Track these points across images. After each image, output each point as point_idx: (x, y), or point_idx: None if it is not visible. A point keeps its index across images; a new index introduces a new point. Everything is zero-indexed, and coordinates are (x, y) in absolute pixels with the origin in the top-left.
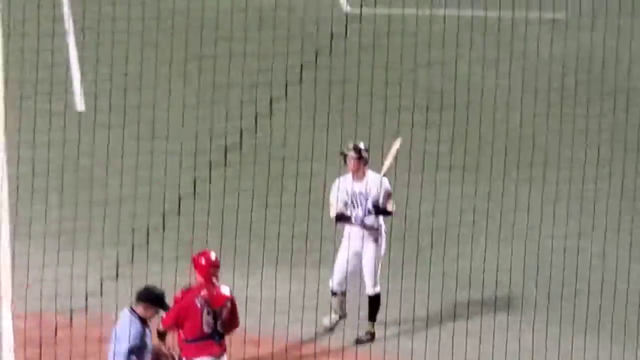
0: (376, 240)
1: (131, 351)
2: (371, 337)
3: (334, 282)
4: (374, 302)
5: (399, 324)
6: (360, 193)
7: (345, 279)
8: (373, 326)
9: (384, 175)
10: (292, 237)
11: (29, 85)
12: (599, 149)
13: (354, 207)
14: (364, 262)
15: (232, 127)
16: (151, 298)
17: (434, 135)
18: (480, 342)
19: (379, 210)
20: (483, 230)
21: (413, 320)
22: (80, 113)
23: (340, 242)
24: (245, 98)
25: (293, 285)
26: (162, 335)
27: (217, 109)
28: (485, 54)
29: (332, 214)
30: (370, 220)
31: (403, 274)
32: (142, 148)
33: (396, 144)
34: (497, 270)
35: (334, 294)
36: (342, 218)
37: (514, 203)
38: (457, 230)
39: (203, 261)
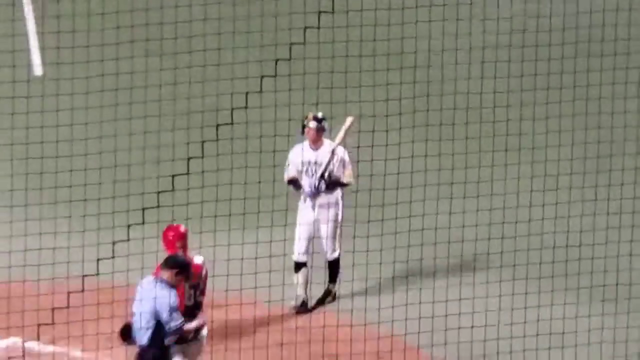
0: (332, 207)
1: (166, 311)
2: (332, 297)
3: (296, 253)
4: (334, 266)
5: (366, 280)
6: (315, 162)
7: (307, 248)
8: (334, 287)
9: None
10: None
11: None
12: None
13: (307, 175)
14: (321, 229)
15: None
16: (180, 264)
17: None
18: (446, 299)
19: (332, 181)
20: (448, 188)
21: (380, 278)
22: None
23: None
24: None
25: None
26: None
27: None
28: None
29: (285, 178)
30: (323, 188)
31: (369, 232)
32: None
33: (349, 121)
34: (463, 227)
35: (297, 265)
36: (292, 182)
37: (478, 161)
38: (422, 190)
39: (171, 236)
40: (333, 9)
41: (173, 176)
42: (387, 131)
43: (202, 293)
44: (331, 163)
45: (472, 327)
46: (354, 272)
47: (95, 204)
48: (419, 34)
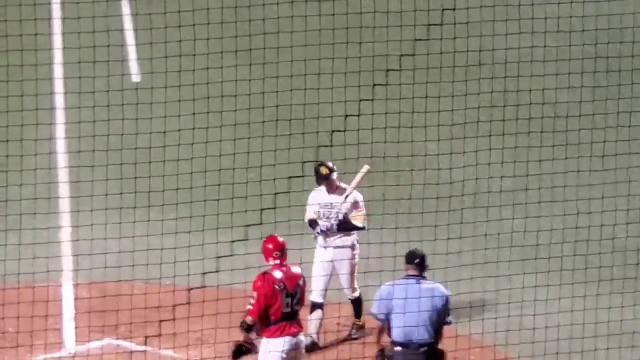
0: (347, 249)
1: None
2: (359, 327)
3: (313, 295)
4: (356, 304)
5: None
6: (330, 204)
7: (323, 289)
8: (360, 320)
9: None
10: None
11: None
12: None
13: (323, 217)
14: (339, 270)
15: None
16: (421, 256)
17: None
18: (522, 300)
19: (347, 225)
20: (523, 194)
21: (459, 280)
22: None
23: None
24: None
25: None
26: (250, 327)
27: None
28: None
29: (305, 219)
30: (335, 229)
31: (449, 234)
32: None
33: (365, 168)
34: (538, 231)
35: (314, 306)
36: (312, 224)
37: (551, 167)
38: (498, 195)
39: (271, 246)
40: (442, 21)
41: (275, 194)
42: (464, 138)
43: (300, 302)
44: (344, 206)
45: (546, 327)
46: (434, 275)
47: (193, 209)
48: (497, 45)
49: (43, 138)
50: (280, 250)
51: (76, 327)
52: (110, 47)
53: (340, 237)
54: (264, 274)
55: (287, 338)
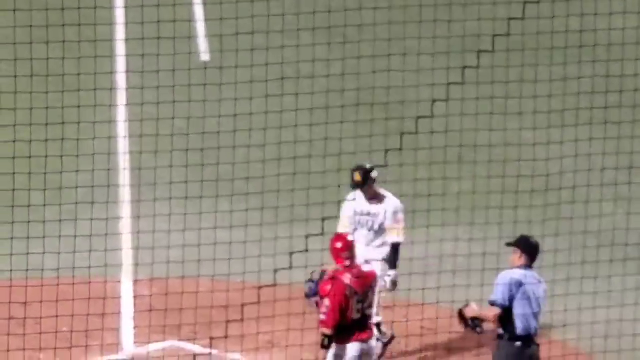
0: (379, 263)
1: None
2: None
3: None
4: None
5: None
6: (368, 213)
7: None
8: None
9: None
10: None
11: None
12: None
13: (359, 227)
14: None
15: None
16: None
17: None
18: (622, 304)
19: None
20: (626, 188)
21: (553, 279)
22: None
23: None
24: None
25: None
26: (330, 341)
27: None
28: None
29: (339, 228)
30: (374, 243)
31: (544, 232)
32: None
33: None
34: None
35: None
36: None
37: None
38: (599, 189)
39: (340, 245)
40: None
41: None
42: (562, 127)
43: (371, 305)
44: (386, 217)
45: None
46: None
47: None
48: (599, 25)
49: (102, 121)
50: (350, 250)
51: (135, 327)
52: (176, 23)
53: (374, 249)
54: (333, 278)
55: (357, 344)
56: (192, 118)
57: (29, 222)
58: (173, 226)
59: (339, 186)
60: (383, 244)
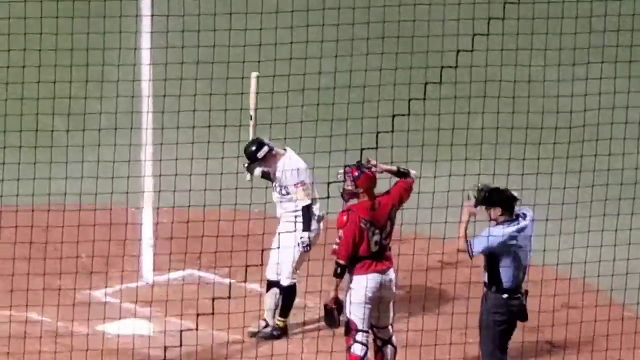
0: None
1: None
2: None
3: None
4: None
5: (560, 221)
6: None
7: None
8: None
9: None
10: None
11: None
12: None
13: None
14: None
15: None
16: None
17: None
18: None
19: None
20: None
21: (575, 217)
22: None
23: None
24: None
25: None
26: (342, 271)
27: None
28: None
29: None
30: (282, 205)
31: (567, 168)
32: None
33: (253, 76)
34: None
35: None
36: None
37: None
38: (622, 127)
39: (357, 174)
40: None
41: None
42: (587, 64)
43: (389, 236)
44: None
45: None
46: (548, 211)
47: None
48: None
49: (127, 47)
50: (369, 184)
51: (155, 255)
52: None
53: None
54: (349, 209)
55: (374, 275)
56: (217, 46)
57: (51, 146)
58: (196, 154)
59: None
60: (287, 203)
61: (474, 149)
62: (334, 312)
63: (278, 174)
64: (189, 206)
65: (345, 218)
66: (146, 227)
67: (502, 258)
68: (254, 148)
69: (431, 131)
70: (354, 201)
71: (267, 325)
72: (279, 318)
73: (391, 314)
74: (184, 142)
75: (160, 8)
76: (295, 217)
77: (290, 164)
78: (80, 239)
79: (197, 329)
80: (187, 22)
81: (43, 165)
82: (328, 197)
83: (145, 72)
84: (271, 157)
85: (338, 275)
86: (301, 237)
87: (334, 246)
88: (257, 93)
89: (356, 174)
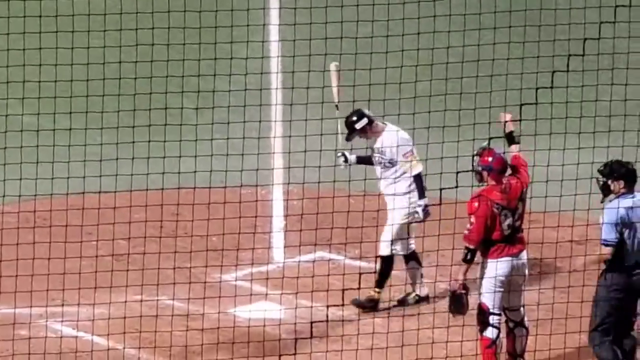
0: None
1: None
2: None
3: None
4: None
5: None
6: (378, 151)
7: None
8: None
9: (338, 101)
10: None
11: None
12: None
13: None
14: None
15: None
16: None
17: None
18: None
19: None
20: None
21: None
22: None
23: None
24: None
25: None
26: (472, 256)
27: None
28: None
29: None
30: (383, 181)
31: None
32: None
33: (332, 68)
34: None
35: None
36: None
37: None
38: None
39: (490, 159)
40: None
41: (521, 105)
42: None
43: (521, 217)
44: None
45: None
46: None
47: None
48: None
49: (255, 24)
50: (501, 166)
51: (285, 238)
52: None
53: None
54: (480, 195)
55: (507, 259)
56: (345, 22)
57: (180, 125)
58: (325, 130)
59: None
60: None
61: (604, 121)
62: (462, 298)
63: (380, 145)
64: (319, 182)
65: (476, 204)
66: (276, 205)
67: (625, 232)
68: (355, 118)
69: (560, 104)
70: (483, 186)
71: (415, 296)
72: (375, 289)
73: (523, 296)
74: (314, 118)
75: None
76: (395, 185)
77: (394, 137)
78: (210, 217)
79: (327, 319)
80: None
81: (172, 145)
82: (457, 187)
83: (274, 48)
84: (370, 129)
85: (468, 261)
86: (419, 205)
87: (465, 232)
88: (338, 86)
89: (489, 158)
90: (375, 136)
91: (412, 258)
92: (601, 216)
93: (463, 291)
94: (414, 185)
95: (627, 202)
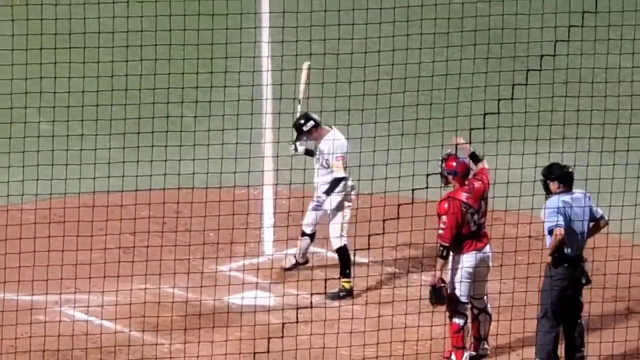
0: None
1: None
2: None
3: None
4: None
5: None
6: (319, 150)
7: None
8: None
9: (304, 97)
10: None
11: None
12: None
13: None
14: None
15: None
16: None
17: None
18: None
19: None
20: None
21: None
22: None
23: None
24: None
25: None
26: (447, 252)
27: None
28: None
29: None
30: (320, 175)
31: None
32: None
33: (304, 67)
34: None
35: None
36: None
37: None
38: None
39: (454, 164)
40: None
41: (484, 114)
42: None
43: (484, 215)
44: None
45: None
46: (625, 185)
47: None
48: None
49: (247, 41)
50: (464, 171)
51: (275, 233)
52: None
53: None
54: (448, 197)
55: (475, 253)
56: (328, 39)
57: (180, 132)
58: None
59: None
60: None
61: (559, 130)
62: (442, 290)
63: (321, 147)
64: (304, 183)
65: (446, 205)
66: (266, 203)
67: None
68: (302, 121)
69: (519, 114)
70: (450, 188)
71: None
72: (343, 279)
73: (486, 286)
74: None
75: (277, 5)
76: (328, 184)
77: (331, 143)
78: (207, 219)
79: (311, 306)
80: (300, 19)
81: (173, 149)
82: (427, 188)
83: (265, 64)
84: (316, 131)
85: (444, 257)
86: (318, 197)
87: (439, 231)
88: (307, 83)
89: (453, 163)
90: (320, 138)
91: (310, 237)
92: (542, 211)
93: (442, 284)
94: (347, 185)
95: (565, 198)
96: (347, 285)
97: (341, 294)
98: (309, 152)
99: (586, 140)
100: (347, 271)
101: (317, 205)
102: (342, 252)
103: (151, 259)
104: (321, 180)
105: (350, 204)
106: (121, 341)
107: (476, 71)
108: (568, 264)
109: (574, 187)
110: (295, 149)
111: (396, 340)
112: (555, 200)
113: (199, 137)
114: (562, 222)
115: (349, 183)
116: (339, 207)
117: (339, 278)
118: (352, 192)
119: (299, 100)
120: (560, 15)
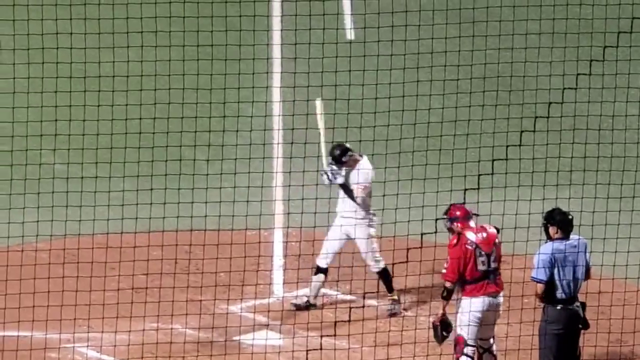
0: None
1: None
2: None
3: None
4: (382, 276)
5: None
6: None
7: (331, 255)
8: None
9: (325, 128)
10: None
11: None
12: None
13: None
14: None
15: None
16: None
17: None
18: None
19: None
20: None
21: None
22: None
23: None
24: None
25: None
26: (449, 293)
27: None
28: None
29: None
30: (345, 202)
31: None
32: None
33: (318, 106)
34: None
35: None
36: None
37: None
38: None
39: (458, 213)
40: None
41: (493, 160)
42: None
43: (497, 260)
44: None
45: None
46: (631, 230)
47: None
48: None
49: (259, 86)
50: (467, 215)
51: (285, 275)
52: (325, 3)
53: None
54: (458, 235)
55: (484, 297)
56: (339, 85)
57: (193, 174)
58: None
59: (492, 161)
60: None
61: (566, 175)
62: (437, 330)
63: (352, 174)
64: (314, 227)
65: (455, 241)
66: (277, 246)
67: (555, 271)
68: (338, 152)
69: (527, 160)
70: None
71: (304, 302)
72: (389, 295)
73: (494, 328)
74: (311, 169)
75: (289, 51)
76: (355, 215)
77: (363, 166)
78: (219, 256)
79: (321, 347)
80: (312, 64)
81: (186, 192)
82: (436, 232)
83: (276, 108)
84: (352, 160)
85: (445, 297)
86: (323, 169)
87: (443, 270)
88: (322, 114)
89: (454, 212)
90: (354, 167)
91: (324, 272)
92: (535, 256)
93: (437, 324)
94: (370, 213)
95: (559, 246)
96: (395, 296)
97: (395, 306)
98: (345, 187)
99: (593, 186)
100: (391, 286)
101: (323, 176)
102: (383, 274)
103: (163, 299)
104: (346, 207)
105: (375, 229)
106: None
107: (485, 117)
108: (562, 307)
109: (577, 232)
110: (329, 180)
111: None
112: (549, 248)
113: (211, 179)
114: (543, 277)
115: (371, 211)
116: (366, 236)
117: (389, 296)
118: (375, 219)
119: (319, 134)
120: (568, 63)
